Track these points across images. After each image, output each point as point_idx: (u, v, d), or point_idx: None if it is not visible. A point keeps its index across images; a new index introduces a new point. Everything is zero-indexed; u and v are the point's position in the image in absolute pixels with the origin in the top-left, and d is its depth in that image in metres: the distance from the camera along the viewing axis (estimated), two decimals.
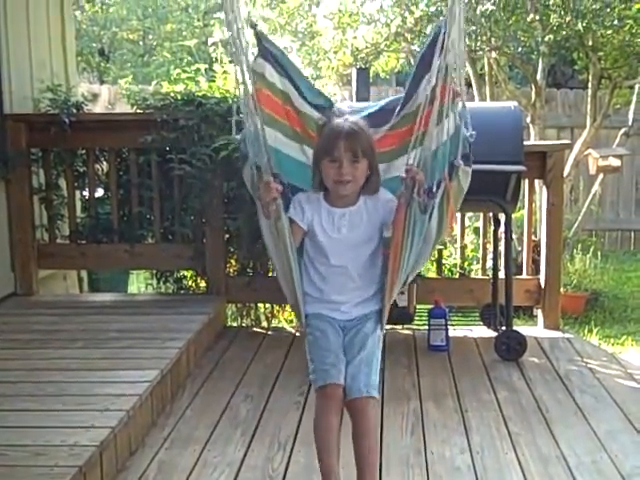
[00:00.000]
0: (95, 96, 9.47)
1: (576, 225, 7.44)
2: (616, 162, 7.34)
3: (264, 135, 2.57)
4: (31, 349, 3.78)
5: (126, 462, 2.95)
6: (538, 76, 7.67)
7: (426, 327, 4.48)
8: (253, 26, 2.79)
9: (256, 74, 2.72)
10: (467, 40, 7.62)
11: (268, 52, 2.80)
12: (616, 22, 6.96)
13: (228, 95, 4.83)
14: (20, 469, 2.50)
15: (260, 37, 2.81)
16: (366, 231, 2.62)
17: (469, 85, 8.95)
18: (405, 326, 4.82)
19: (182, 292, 5.24)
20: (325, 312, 2.65)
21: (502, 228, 4.43)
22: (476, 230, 6.24)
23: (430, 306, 4.52)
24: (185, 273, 5.26)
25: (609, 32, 7.01)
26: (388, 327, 4.83)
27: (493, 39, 7.32)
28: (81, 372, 3.42)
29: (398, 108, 2.87)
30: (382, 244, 2.66)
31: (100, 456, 2.67)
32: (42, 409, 2.99)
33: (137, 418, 3.09)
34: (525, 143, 4.34)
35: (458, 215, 5.41)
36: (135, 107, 5.03)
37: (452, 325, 4.75)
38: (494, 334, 4.52)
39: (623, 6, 6.90)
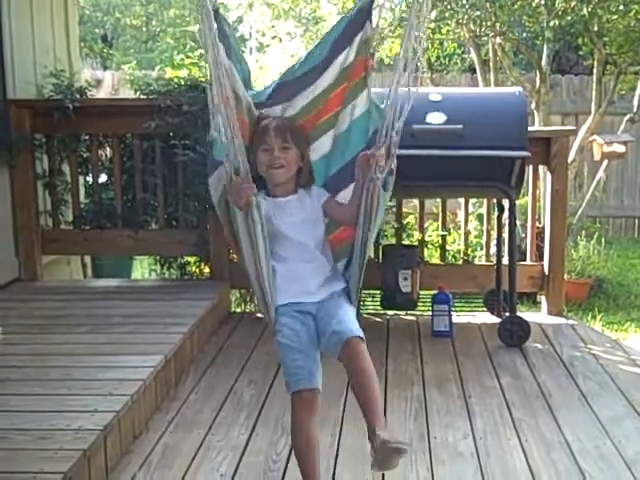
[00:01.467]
0: (98, 82, 9.45)
1: (580, 211, 7.42)
2: (621, 148, 7.32)
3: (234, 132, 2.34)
4: (35, 334, 3.79)
5: (130, 446, 2.96)
6: (543, 62, 7.64)
7: (430, 313, 4.49)
8: (215, 10, 2.45)
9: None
10: (472, 25, 7.58)
11: (224, 33, 2.57)
12: (621, 7, 6.92)
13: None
14: (24, 453, 2.51)
15: (220, 19, 2.55)
16: (313, 213, 2.59)
17: (473, 70, 8.92)
18: (408, 312, 4.82)
19: (186, 278, 5.25)
20: (294, 299, 2.52)
21: (506, 214, 4.42)
22: (480, 216, 6.24)
23: (434, 292, 4.52)
24: (189, 259, 5.27)
25: (614, 17, 6.97)
26: (391, 313, 4.85)
27: (498, 24, 7.29)
28: (85, 357, 3.44)
29: (307, 85, 2.68)
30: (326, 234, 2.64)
31: (104, 440, 2.69)
32: (47, 393, 3.00)
33: (141, 402, 3.10)
34: (529, 129, 4.33)
35: (462, 200, 5.41)
36: (139, 93, 5.03)
37: (455, 311, 4.75)
38: (498, 320, 4.52)
39: None
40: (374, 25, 2.56)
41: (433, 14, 7.45)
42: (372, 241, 2.59)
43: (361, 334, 2.42)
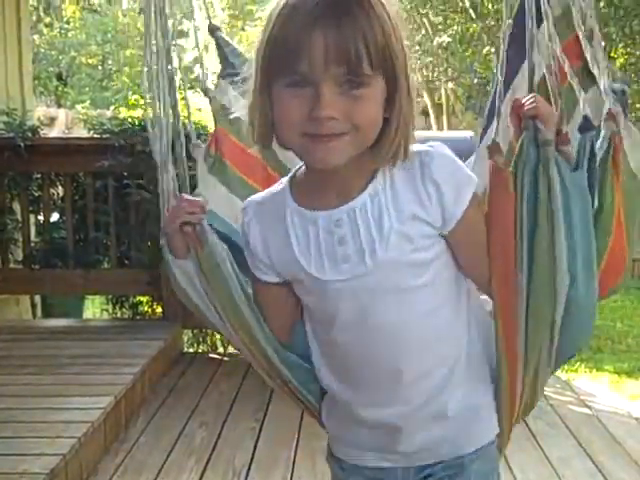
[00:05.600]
0: (52, 120, 9.40)
1: None
2: None
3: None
4: None
5: None
6: None
7: None
8: (213, 29, 1.75)
9: (215, 104, 1.68)
10: (424, 70, 7.75)
11: (231, 66, 1.70)
12: None
13: (186, 122, 4.82)
14: None
15: (222, 45, 1.74)
16: (402, 252, 1.19)
17: (426, 114, 9.08)
18: None
19: (138, 318, 5.18)
20: (366, 462, 1.34)
21: None
22: None
23: None
24: (141, 299, 5.21)
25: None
26: None
27: (450, 70, 7.46)
28: (32, 398, 3.36)
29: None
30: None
31: None
32: None
33: (89, 445, 3.04)
34: None
35: None
36: (92, 132, 5.01)
37: None
38: None
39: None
40: None
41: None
42: (560, 314, 1.20)
43: None
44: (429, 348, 1.23)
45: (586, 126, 1.25)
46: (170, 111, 1.38)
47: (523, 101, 1.17)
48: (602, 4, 7.64)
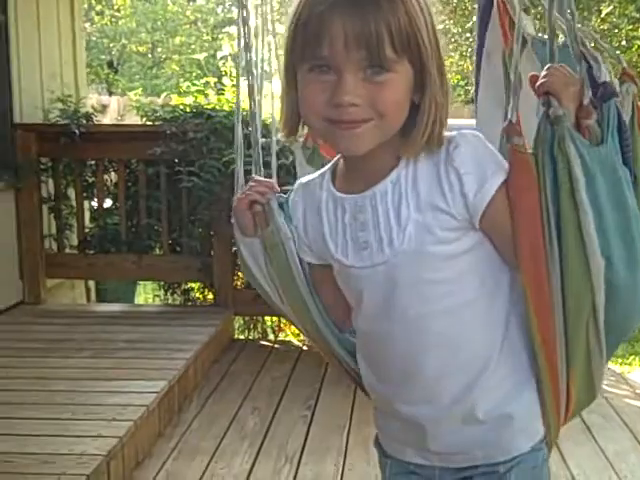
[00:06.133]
0: (104, 107, 9.50)
1: None
2: None
3: None
4: (38, 358, 3.77)
5: (133, 472, 2.94)
6: None
7: None
8: None
9: None
10: (475, 57, 7.65)
11: None
12: (624, 43, 6.98)
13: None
14: (27, 477, 2.49)
15: None
16: (422, 243, 1.14)
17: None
18: None
19: (189, 304, 5.24)
20: (404, 456, 1.31)
21: None
22: None
23: None
24: (192, 285, 5.26)
25: (617, 52, 7.05)
26: None
27: None
28: (88, 382, 3.42)
29: None
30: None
31: (107, 465, 2.66)
32: (49, 417, 2.98)
33: (144, 428, 3.08)
34: None
35: None
36: (144, 119, 5.05)
37: None
38: None
39: (631, 27, 6.94)
40: None
41: None
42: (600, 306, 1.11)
43: None
44: (451, 347, 1.17)
45: (607, 92, 1.11)
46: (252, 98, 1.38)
47: (542, 74, 1.09)
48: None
